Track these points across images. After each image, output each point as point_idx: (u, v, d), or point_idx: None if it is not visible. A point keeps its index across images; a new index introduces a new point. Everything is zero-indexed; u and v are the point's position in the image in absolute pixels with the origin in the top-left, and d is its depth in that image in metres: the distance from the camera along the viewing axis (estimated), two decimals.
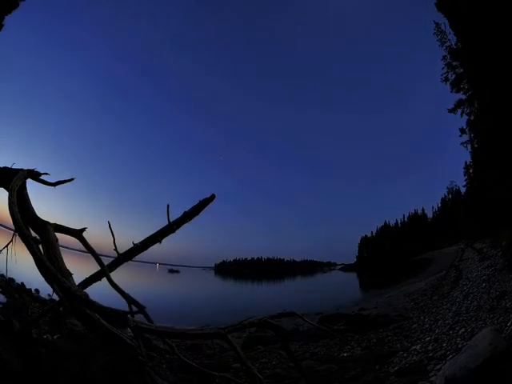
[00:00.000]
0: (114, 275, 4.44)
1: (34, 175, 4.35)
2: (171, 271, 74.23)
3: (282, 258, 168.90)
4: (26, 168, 4.24)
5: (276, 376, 4.15)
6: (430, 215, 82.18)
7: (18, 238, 3.41)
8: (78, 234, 4.22)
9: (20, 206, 3.64)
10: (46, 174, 4.53)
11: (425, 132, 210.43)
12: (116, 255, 4.42)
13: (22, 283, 8.97)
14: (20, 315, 3.84)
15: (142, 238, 4.50)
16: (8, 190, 3.64)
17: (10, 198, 3.52)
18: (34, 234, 3.62)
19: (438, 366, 2.96)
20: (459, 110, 20.68)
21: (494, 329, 2.30)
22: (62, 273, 3.34)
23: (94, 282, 4.42)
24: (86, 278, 4.42)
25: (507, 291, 4.86)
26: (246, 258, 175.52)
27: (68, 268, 3.75)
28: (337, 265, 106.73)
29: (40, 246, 3.45)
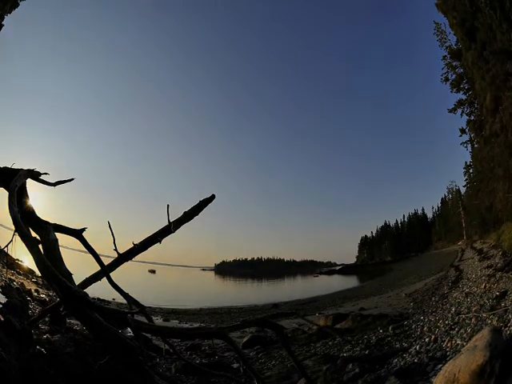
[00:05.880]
0: (113, 275, 4.44)
1: (34, 175, 4.35)
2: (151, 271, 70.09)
3: (281, 258, 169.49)
4: (26, 168, 4.24)
5: (276, 376, 4.14)
6: (429, 215, 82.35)
7: (17, 238, 3.41)
8: (78, 233, 4.22)
9: (20, 206, 3.64)
10: (45, 173, 4.53)
11: (425, 132, 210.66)
12: (116, 255, 4.42)
13: (22, 283, 8.96)
14: (20, 315, 3.84)
15: (142, 238, 4.51)
16: (8, 190, 3.64)
17: (9, 198, 3.52)
18: (33, 234, 3.62)
19: (438, 367, 2.95)
20: (459, 110, 20.70)
21: (493, 329, 2.29)
22: (62, 273, 3.34)
23: (94, 281, 4.42)
24: (86, 278, 4.42)
25: (507, 291, 4.86)
26: (245, 259, 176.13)
27: (68, 268, 3.76)
28: (337, 265, 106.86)
29: (40, 246, 3.46)
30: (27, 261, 11.52)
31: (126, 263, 4.61)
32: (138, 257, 4.60)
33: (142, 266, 76.27)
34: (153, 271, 70.60)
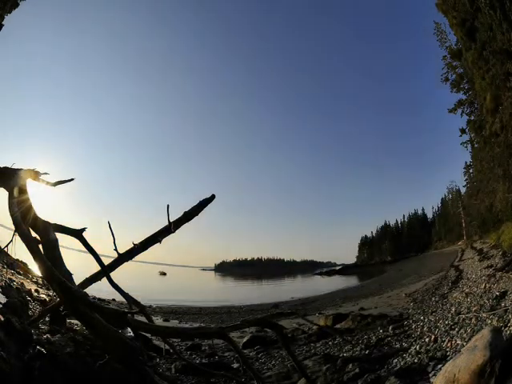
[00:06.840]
0: (113, 275, 4.45)
1: (35, 175, 4.35)
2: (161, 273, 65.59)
3: (281, 258, 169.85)
4: (26, 168, 4.24)
5: (276, 376, 4.14)
6: (429, 215, 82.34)
7: (17, 238, 3.41)
8: (78, 233, 4.22)
9: (20, 206, 3.64)
10: (46, 173, 4.53)
11: (425, 132, 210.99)
12: (116, 255, 4.43)
13: (22, 283, 8.96)
14: (20, 315, 3.84)
15: (142, 238, 4.51)
16: (8, 190, 3.64)
17: (10, 198, 3.53)
18: (34, 233, 3.63)
19: (438, 367, 2.96)
20: (459, 110, 20.68)
21: (493, 329, 2.29)
22: (62, 273, 3.34)
23: (94, 281, 4.43)
24: (86, 278, 4.42)
25: (507, 291, 4.87)
26: (245, 259, 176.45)
27: (68, 268, 3.76)
28: (337, 265, 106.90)
29: (40, 246, 3.46)
30: (33, 265, 11.52)
31: (126, 263, 4.61)
32: (139, 257, 4.60)
33: (143, 266, 76.03)
34: (163, 273, 65.66)
